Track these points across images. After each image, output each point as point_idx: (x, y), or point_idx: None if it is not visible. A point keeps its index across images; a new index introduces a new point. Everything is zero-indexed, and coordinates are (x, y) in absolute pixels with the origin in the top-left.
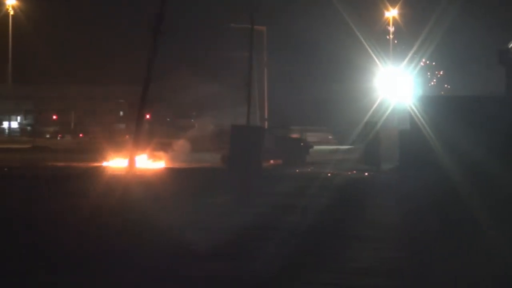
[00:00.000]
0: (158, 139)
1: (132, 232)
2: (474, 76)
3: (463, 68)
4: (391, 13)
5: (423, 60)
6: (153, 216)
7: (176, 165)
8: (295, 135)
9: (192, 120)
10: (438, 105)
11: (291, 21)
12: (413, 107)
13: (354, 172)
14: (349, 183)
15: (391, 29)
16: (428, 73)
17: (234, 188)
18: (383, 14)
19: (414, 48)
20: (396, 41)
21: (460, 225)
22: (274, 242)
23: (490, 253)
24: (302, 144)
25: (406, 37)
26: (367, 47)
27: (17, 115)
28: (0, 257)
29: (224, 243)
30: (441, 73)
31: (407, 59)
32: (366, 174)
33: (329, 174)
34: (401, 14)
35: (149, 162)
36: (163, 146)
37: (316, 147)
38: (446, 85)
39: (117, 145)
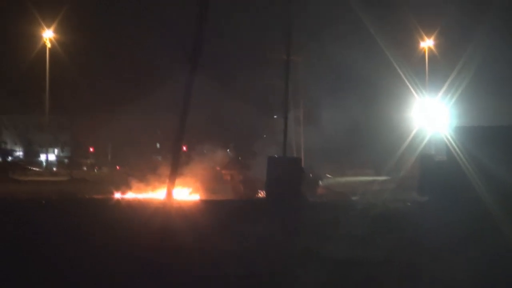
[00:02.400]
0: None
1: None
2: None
3: (499, 98)
4: (427, 43)
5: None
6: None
7: (213, 196)
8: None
9: (228, 151)
10: (474, 135)
11: (327, 51)
12: (449, 137)
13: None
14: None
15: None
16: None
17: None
18: (419, 44)
19: (450, 78)
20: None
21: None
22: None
23: None
24: (311, 175)
25: (442, 67)
26: (403, 76)
27: (55, 147)
28: None
29: None
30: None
31: (443, 89)
32: (409, 204)
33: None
34: (436, 45)
35: (185, 194)
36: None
37: (353, 179)
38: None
39: (154, 177)
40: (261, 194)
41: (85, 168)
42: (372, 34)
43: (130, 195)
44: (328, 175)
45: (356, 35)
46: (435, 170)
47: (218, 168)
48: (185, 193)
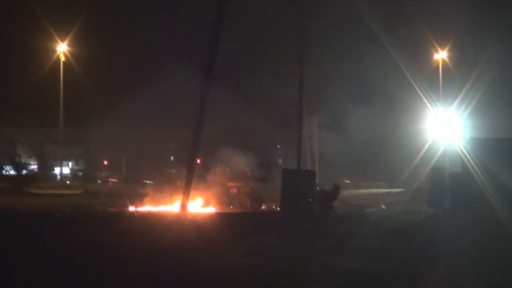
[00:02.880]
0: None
1: None
2: None
3: None
4: (440, 55)
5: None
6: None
7: (227, 209)
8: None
9: (241, 162)
10: (488, 147)
11: (341, 63)
12: (463, 149)
13: (423, 216)
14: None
15: (440, 71)
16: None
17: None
18: (433, 56)
19: (464, 90)
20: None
21: None
22: None
23: None
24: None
25: (456, 79)
26: (417, 88)
27: (69, 160)
28: None
29: None
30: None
31: (457, 100)
32: (423, 216)
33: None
34: (450, 57)
35: (199, 207)
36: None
37: (366, 191)
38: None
39: (169, 189)
40: (273, 206)
41: (99, 181)
42: (386, 46)
43: (144, 208)
44: (346, 181)
45: (370, 47)
46: (445, 183)
47: (225, 181)
48: (198, 205)
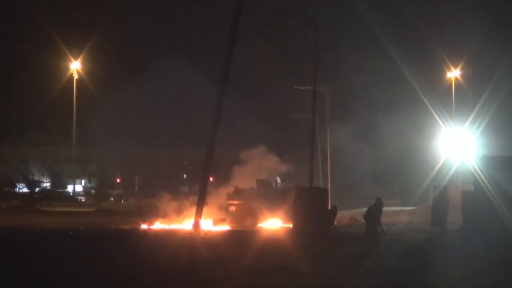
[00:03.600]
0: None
1: None
2: None
3: None
4: (453, 73)
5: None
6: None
7: (240, 227)
8: None
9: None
10: (501, 164)
11: (353, 82)
12: (476, 167)
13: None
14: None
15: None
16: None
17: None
18: (445, 74)
19: (477, 108)
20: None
21: None
22: None
23: None
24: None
25: (469, 97)
26: (429, 106)
27: (82, 178)
28: None
29: None
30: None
31: (470, 118)
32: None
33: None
34: (463, 75)
35: (212, 225)
36: (227, 209)
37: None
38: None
39: (181, 208)
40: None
41: (112, 199)
42: (399, 65)
43: (157, 226)
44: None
45: (383, 64)
46: (447, 203)
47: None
48: (209, 223)
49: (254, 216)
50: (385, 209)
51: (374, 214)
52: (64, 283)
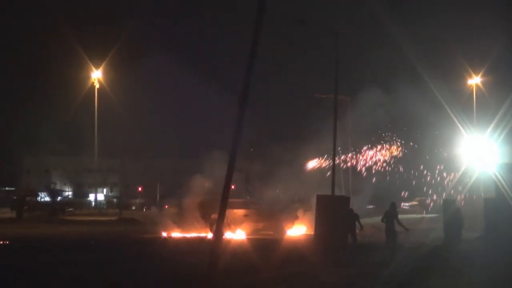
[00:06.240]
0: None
1: None
2: None
3: None
4: (474, 80)
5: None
6: None
7: (260, 235)
8: None
9: (277, 191)
10: None
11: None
12: (498, 175)
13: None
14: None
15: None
16: None
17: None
18: (467, 81)
19: (499, 115)
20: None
21: None
22: None
23: None
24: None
25: (490, 104)
26: (451, 114)
27: (103, 188)
28: None
29: None
30: None
31: (491, 126)
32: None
33: None
34: (484, 82)
35: (230, 233)
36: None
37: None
38: None
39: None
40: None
41: (133, 208)
42: (419, 71)
43: (178, 235)
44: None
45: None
46: (457, 215)
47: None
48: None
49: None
50: (407, 216)
51: (391, 217)
52: None
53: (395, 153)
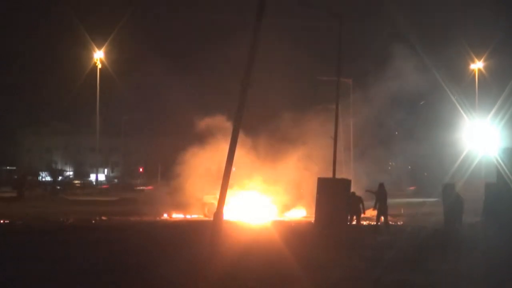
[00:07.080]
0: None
1: None
2: None
3: None
4: (477, 65)
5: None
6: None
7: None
8: None
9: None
10: None
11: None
12: (499, 160)
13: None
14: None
15: (476, 80)
16: None
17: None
18: (469, 66)
19: (501, 99)
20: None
21: None
22: None
23: None
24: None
25: (493, 88)
26: (452, 98)
27: (104, 168)
28: None
29: None
30: None
31: (493, 110)
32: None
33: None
34: (486, 66)
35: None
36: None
37: (401, 200)
38: None
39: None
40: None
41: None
42: (421, 55)
43: (177, 216)
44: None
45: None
46: (457, 199)
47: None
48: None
49: None
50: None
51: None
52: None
53: None
